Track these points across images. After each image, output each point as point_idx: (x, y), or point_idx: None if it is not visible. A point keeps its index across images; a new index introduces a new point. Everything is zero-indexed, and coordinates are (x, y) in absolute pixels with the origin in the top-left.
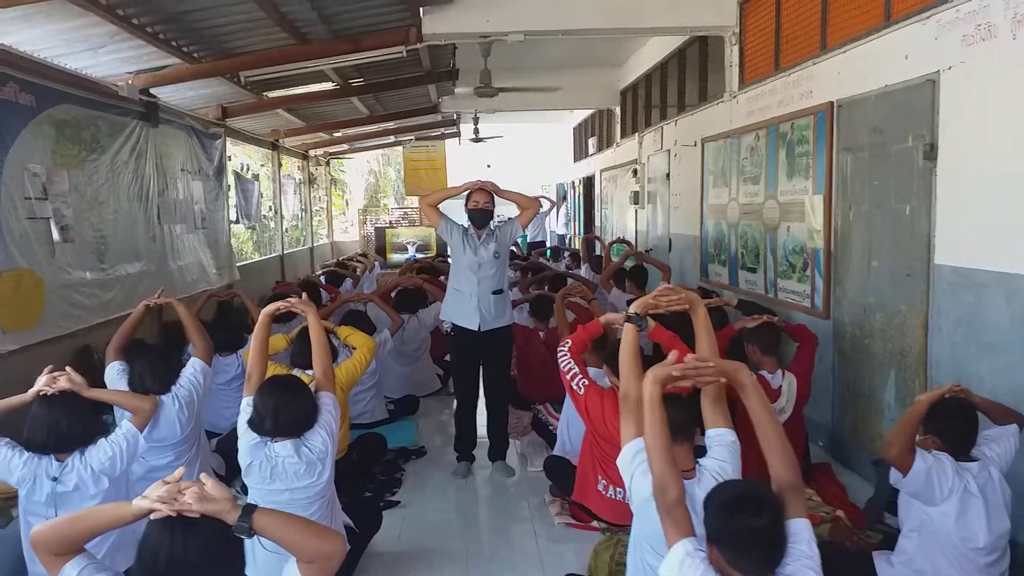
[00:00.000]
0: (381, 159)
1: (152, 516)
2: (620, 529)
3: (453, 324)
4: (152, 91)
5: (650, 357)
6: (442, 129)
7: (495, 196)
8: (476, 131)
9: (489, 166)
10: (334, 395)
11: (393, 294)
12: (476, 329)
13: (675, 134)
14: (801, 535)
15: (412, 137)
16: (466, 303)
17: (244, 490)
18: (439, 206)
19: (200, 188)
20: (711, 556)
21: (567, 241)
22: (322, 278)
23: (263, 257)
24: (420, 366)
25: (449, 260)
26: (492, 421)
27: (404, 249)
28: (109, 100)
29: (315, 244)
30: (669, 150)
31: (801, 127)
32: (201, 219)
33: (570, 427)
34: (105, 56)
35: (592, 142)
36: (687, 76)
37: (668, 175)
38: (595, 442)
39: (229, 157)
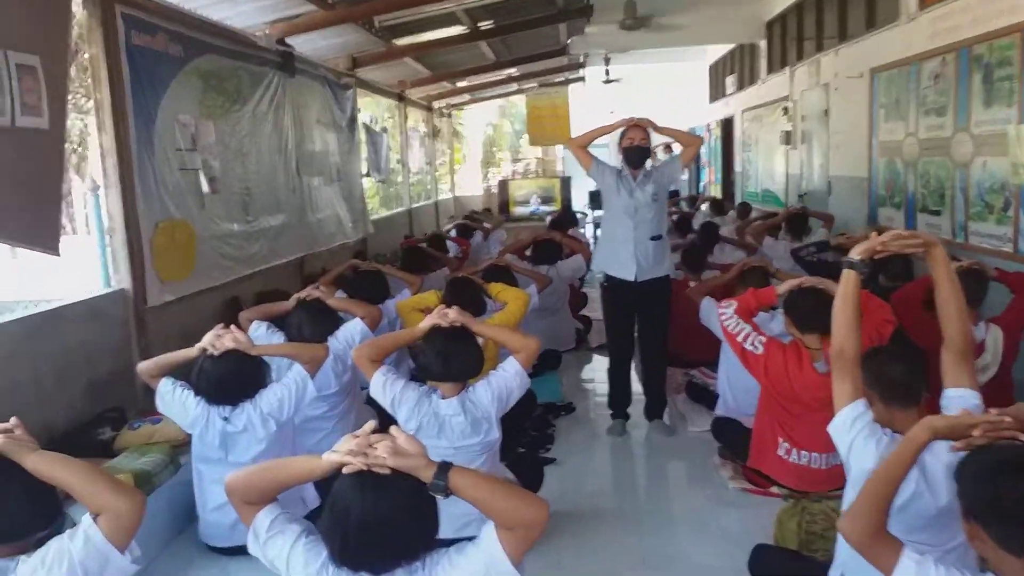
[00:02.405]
0: (498, 111)
1: (344, 470)
2: (804, 495)
3: (605, 274)
4: (287, 41)
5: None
6: (566, 74)
7: (651, 133)
8: (607, 72)
9: (612, 112)
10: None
11: (528, 251)
12: (632, 279)
13: (835, 66)
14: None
15: (535, 84)
16: (621, 251)
17: None
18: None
19: (335, 140)
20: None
21: (704, 188)
22: (452, 232)
23: (390, 212)
24: (559, 320)
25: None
26: (648, 378)
27: (526, 202)
28: (249, 50)
29: (439, 198)
30: (827, 84)
31: (1002, 47)
32: (336, 172)
33: (732, 385)
34: (244, 5)
35: (731, 81)
36: (848, 2)
37: (826, 111)
38: (774, 403)
39: (359, 109)
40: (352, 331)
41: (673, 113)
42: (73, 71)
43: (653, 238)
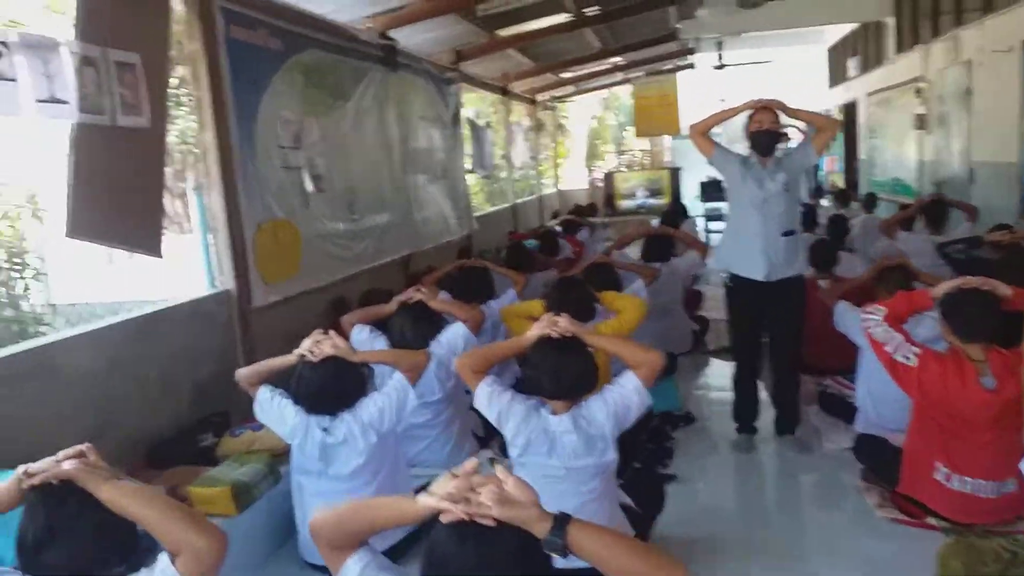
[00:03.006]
0: (601, 103)
1: (442, 518)
2: (968, 529)
3: (731, 274)
4: (389, 34)
5: None
6: (675, 61)
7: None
8: (719, 57)
9: (723, 100)
10: None
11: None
12: (762, 279)
13: (979, 39)
14: None
15: (642, 73)
16: (749, 247)
17: (503, 449)
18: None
19: (439, 136)
20: None
21: (824, 178)
22: (557, 228)
23: (494, 208)
24: (674, 321)
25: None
26: (779, 388)
27: (632, 196)
28: (350, 44)
29: (543, 193)
30: (969, 61)
31: None
32: (441, 169)
33: (874, 398)
34: None
35: (853, 63)
36: None
37: (968, 91)
38: (931, 421)
39: (462, 104)
40: (455, 335)
41: (788, 100)
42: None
43: (785, 233)
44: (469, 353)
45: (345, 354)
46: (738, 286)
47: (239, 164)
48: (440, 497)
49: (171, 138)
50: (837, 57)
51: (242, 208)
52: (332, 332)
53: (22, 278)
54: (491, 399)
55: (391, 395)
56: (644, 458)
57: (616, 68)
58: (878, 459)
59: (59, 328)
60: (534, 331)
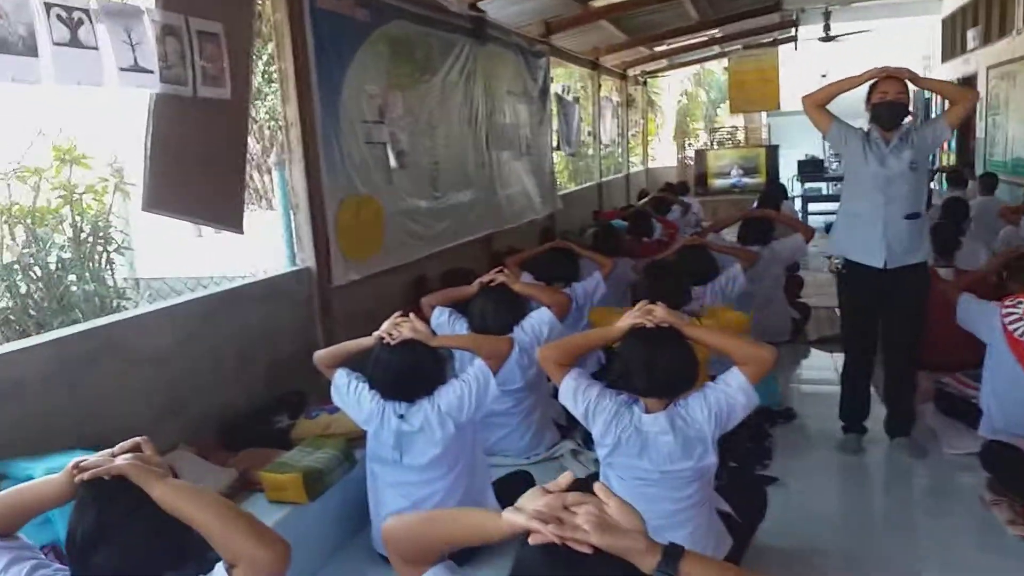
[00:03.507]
0: (692, 79)
1: (530, 539)
2: None
3: (845, 260)
4: (479, 5)
5: None
6: (775, 34)
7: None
8: (826, 28)
9: (824, 75)
10: None
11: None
12: (880, 266)
13: None
14: None
15: (739, 46)
16: (867, 231)
17: (587, 440)
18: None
19: (525, 112)
20: None
21: (935, 157)
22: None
23: (579, 186)
24: (773, 308)
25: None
26: (894, 385)
27: (726, 174)
28: (439, 15)
29: (630, 171)
30: None
31: None
32: (526, 145)
33: (1002, 400)
34: None
35: (973, 34)
36: None
37: None
38: None
39: (551, 79)
40: (539, 321)
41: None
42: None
43: (909, 216)
44: (553, 344)
45: (424, 338)
46: (853, 273)
47: (322, 139)
48: (529, 515)
49: (261, 114)
50: (953, 28)
51: (324, 184)
52: (412, 315)
53: (106, 251)
54: (577, 394)
55: (471, 383)
56: (741, 457)
57: (713, 41)
58: (1010, 469)
59: (140, 303)
60: (625, 320)
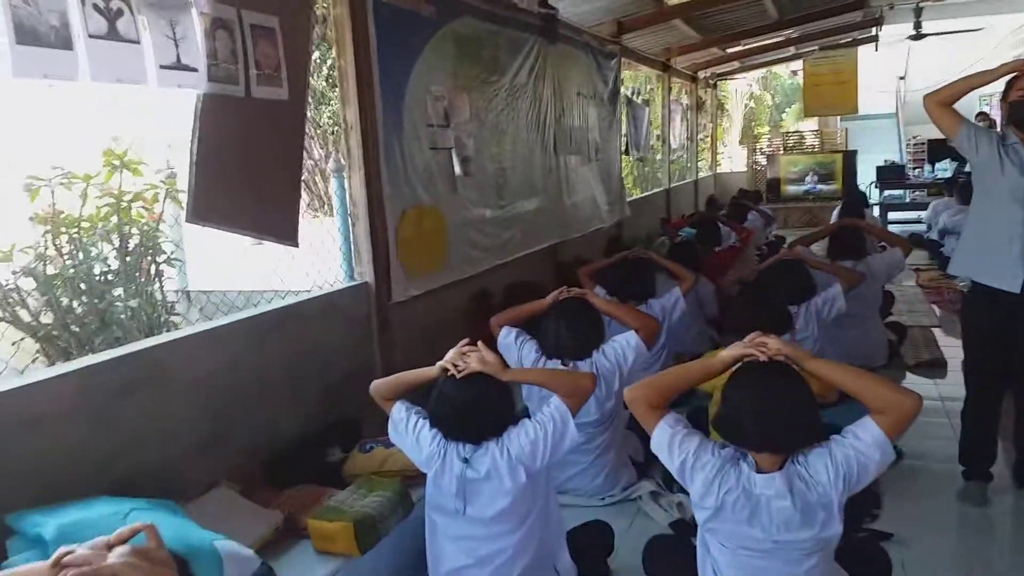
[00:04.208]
0: (759, 83)
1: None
2: None
3: (973, 282)
4: (549, 3)
5: None
6: (855, 34)
7: None
8: (917, 25)
9: (902, 78)
10: None
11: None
12: (1017, 291)
13: None
14: None
15: (816, 47)
16: (1002, 250)
17: (667, 480)
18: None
19: (595, 115)
20: None
21: None
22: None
23: (645, 193)
24: (869, 328)
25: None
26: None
27: (799, 180)
28: (508, 12)
29: (698, 177)
30: None
31: None
32: (595, 149)
33: None
34: None
35: None
36: None
37: None
38: None
39: (622, 80)
40: (624, 347)
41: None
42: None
43: None
44: (644, 383)
45: (495, 371)
46: (982, 298)
47: (383, 143)
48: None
49: (324, 119)
50: None
51: (385, 192)
52: (481, 344)
53: (155, 263)
54: (673, 445)
55: (547, 425)
56: (849, 506)
57: (788, 42)
58: None
59: (191, 318)
60: (731, 352)
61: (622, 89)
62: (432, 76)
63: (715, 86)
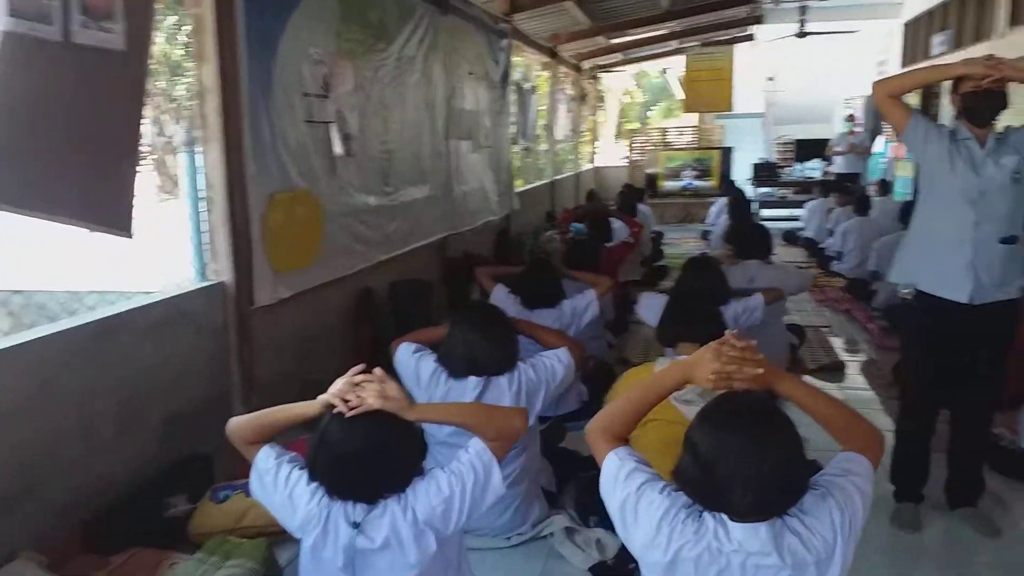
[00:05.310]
0: (633, 80)
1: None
2: None
3: (916, 291)
4: None
5: None
6: (734, 31)
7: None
8: (801, 24)
9: (771, 79)
10: None
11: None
12: (965, 301)
13: None
14: None
15: (697, 42)
16: (951, 257)
17: (581, 512)
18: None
19: (486, 98)
20: None
21: (888, 166)
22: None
23: (529, 185)
24: (772, 333)
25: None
26: (964, 444)
27: (676, 176)
28: None
29: (580, 171)
30: None
31: None
32: (484, 135)
33: None
34: None
35: (939, 39)
36: None
37: None
38: None
39: (512, 64)
40: (555, 363)
41: (848, 81)
42: None
43: (1005, 240)
44: (607, 414)
45: (398, 408)
46: (927, 309)
47: (248, 112)
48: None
49: (179, 92)
50: (917, 33)
51: (249, 171)
52: (379, 372)
53: None
54: (618, 480)
55: (466, 477)
56: None
57: (672, 35)
58: None
59: None
60: (705, 366)
61: (512, 74)
62: (311, 34)
63: (597, 78)
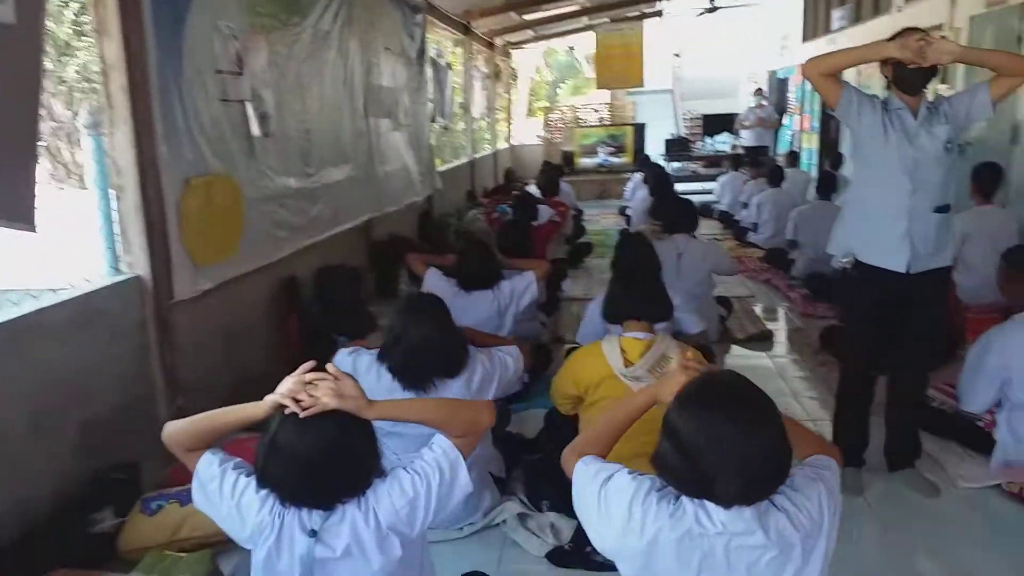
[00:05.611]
0: (542, 58)
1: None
2: None
3: (856, 261)
4: None
5: None
6: (642, 7)
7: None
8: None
9: (677, 55)
10: None
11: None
12: (903, 270)
13: None
14: None
15: (606, 19)
16: (887, 227)
17: (531, 496)
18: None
19: (404, 74)
20: None
21: (792, 139)
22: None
23: (449, 165)
24: (702, 307)
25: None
26: (902, 407)
27: (593, 153)
28: None
29: (498, 149)
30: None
31: None
32: (403, 113)
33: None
34: None
35: (840, 13)
36: None
37: (1021, 38)
38: None
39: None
40: (505, 359)
41: (751, 56)
42: None
43: (938, 209)
44: (583, 443)
45: (356, 407)
46: (866, 278)
47: (158, 90)
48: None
49: (70, 74)
50: (816, 7)
51: (161, 155)
52: (332, 367)
53: None
54: (593, 481)
55: (431, 476)
56: None
57: (583, 11)
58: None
59: None
60: (670, 385)
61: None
62: (222, 8)
63: (509, 56)
